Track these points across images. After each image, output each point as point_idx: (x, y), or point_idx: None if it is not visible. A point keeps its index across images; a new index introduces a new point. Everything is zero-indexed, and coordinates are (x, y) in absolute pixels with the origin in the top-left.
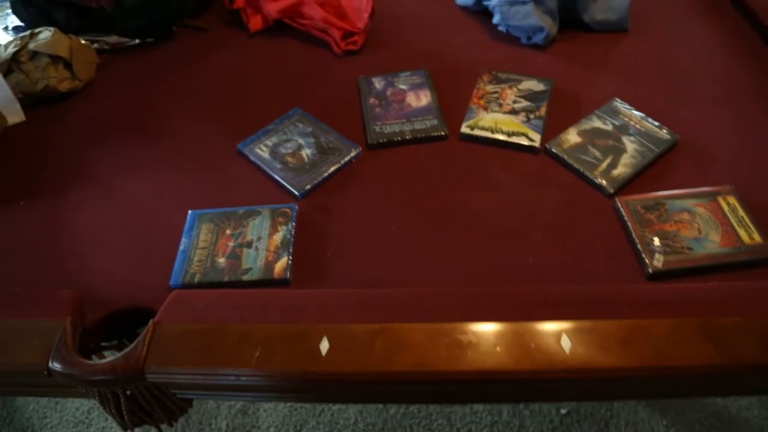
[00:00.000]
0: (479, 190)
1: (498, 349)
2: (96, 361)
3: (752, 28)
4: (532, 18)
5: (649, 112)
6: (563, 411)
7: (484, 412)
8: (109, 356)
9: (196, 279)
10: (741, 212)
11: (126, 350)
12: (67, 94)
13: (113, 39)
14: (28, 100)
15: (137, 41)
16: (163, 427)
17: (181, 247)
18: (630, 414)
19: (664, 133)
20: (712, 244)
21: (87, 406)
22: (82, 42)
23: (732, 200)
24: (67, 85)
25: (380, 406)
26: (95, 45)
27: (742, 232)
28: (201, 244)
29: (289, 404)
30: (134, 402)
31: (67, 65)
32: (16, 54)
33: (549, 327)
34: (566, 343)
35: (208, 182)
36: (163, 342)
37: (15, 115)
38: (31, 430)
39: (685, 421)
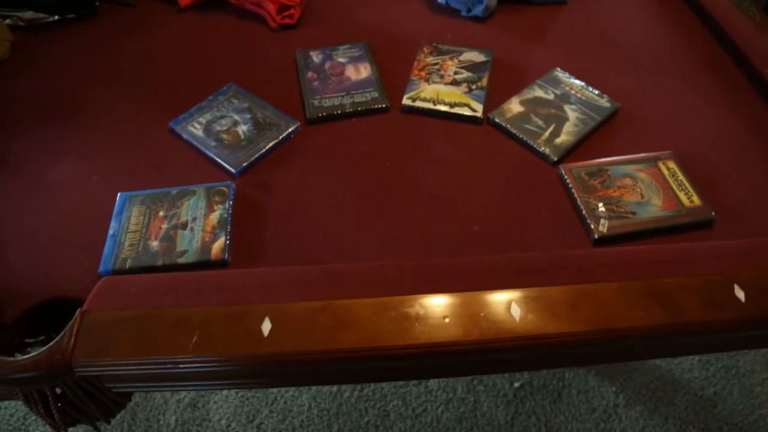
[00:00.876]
0: (422, 163)
1: (447, 320)
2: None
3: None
4: None
5: (589, 81)
6: (516, 384)
7: (439, 391)
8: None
9: (128, 264)
10: (680, 176)
11: (50, 344)
12: None
13: (28, 14)
14: None
15: (56, 17)
16: (102, 424)
17: (111, 232)
18: (581, 383)
19: (604, 102)
20: (654, 207)
21: (23, 412)
22: None
23: (672, 165)
24: None
25: (334, 389)
26: (8, 21)
27: (682, 195)
28: (132, 228)
29: (240, 394)
30: (64, 400)
31: None
32: None
33: (498, 296)
34: (516, 311)
35: (139, 164)
36: (91, 332)
37: None
38: None
39: (632, 386)
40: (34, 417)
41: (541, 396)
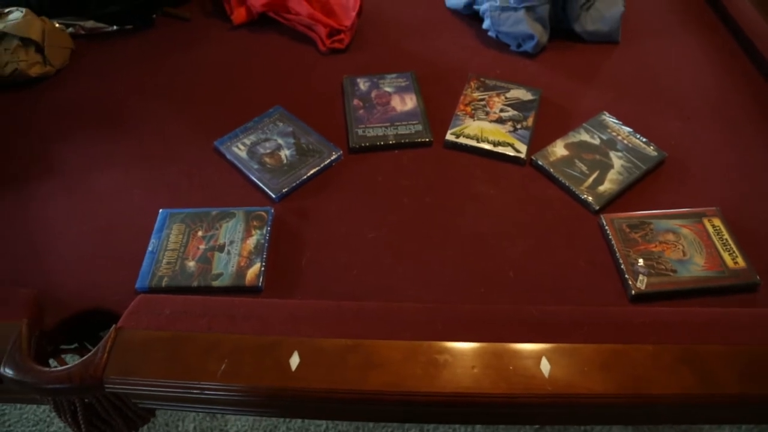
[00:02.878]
0: (462, 201)
1: (475, 370)
2: (53, 366)
3: (739, 44)
4: (522, 25)
5: (637, 128)
6: (537, 426)
7: (459, 425)
8: (70, 360)
9: (164, 282)
10: (726, 235)
11: (84, 357)
12: (38, 79)
13: (89, 24)
14: None
15: (115, 28)
16: None
17: (150, 248)
18: (604, 428)
19: (651, 150)
20: (696, 266)
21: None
22: (56, 25)
23: (717, 222)
24: (37, 70)
25: None
26: (70, 29)
27: (726, 256)
28: (171, 246)
29: None
30: (92, 411)
31: (39, 49)
32: None
33: (528, 348)
34: (545, 367)
35: (182, 180)
36: (124, 349)
37: None
38: None
39: None
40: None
41: None
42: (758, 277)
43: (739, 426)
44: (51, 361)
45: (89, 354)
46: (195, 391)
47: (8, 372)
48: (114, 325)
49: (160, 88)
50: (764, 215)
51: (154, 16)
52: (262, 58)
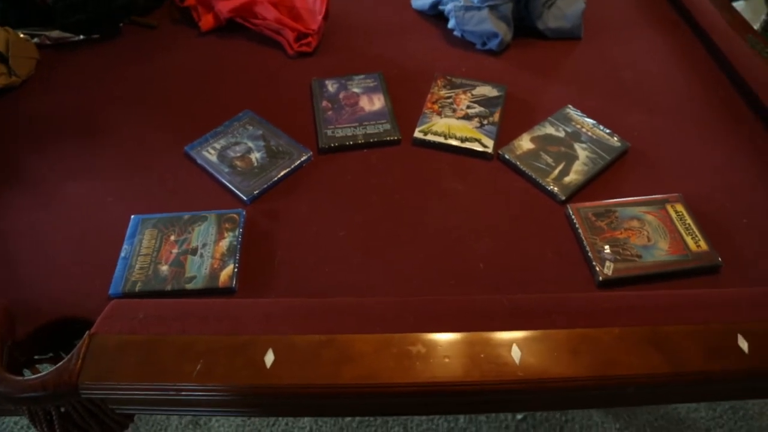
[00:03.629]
0: (431, 197)
1: (447, 360)
2: (27, 376)
3: (698, 39)
4: (486, 24)
5: (600, 120)
6: (519, 416)
7: (441, 419)
8: (43, 370)
9: (137, 287)
10: (688, 220)
11: (59, 365)
12: (3, 90)
13: (55, 33)
14: None
15: (81, 37)
16: None
17: (122, 254)
18: (584, 418)
19: (615, 141)
20: (660, 251)
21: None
22: (21, 35)
23: (680, 208)
24: (2, 81)
25: None
26: (35, 39)
27: (689, 240)
28: (143, 251)
29: None
30: (68, 420)
31: (3, 59)
32: None
33: (499, 337)
34: (516, 354)
35: (153, 186)
36: (98, 355)
37: None
38: None
39: (636, 424)
40: None
41: (544, 429)
42: (720, 259)
43: (714, 407)
44: (25, 371)
45: (63, 361)
46: (171, 393)
47: None
48: (87, 331)
49: (129, 97)
50: (725, 202)
51: (121, 24)
52: (231, 63)
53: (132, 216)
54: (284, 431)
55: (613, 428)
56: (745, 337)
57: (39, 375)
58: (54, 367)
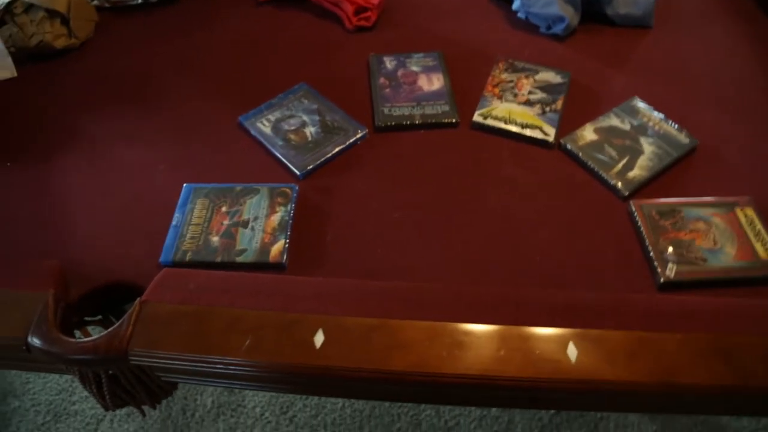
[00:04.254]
0: (488, 183)
1: (501, 353)
2: (79, 338)
3: None
4: (553, 6)
5: (668, 114)
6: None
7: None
8: (94, 332)
9: (188, 257)
10: (758, 225)
11: (110, 329)
12: (63, 51)
13: None
14: (20, 54)
15: (140, 1)
16: (146, 408)
17: (174, 222)
18: (621, 417)
19: (683, 137)
20: (727, 256)
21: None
22: None
23: (750, 212)
24: (63, 42)
25: None
26: (95, 2)
27: (758, 246)
28: (195, 221)
29: None
30: (116, 383)
31: (64, 21)
32: (9, 5)
33: (555, 333)
34: (572, 352)
35: (206, 155)
36: (148, 323)
37: (6, 70)
38: (13, 395)
39: (674, 427)
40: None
41: (578, 425)
42: None
43: (758, 419)
44: (76, 332)
45: (114, 326)
46: (219, 366)
47: (36, 342)
48: (138, 299)
49: (184, 63)
50: None
51: None
52: (288, 34)
53: (184, 184)
54: (317, 405)
55: (650, 430)
56: None
57: (91, 338)
58: (105, 332)
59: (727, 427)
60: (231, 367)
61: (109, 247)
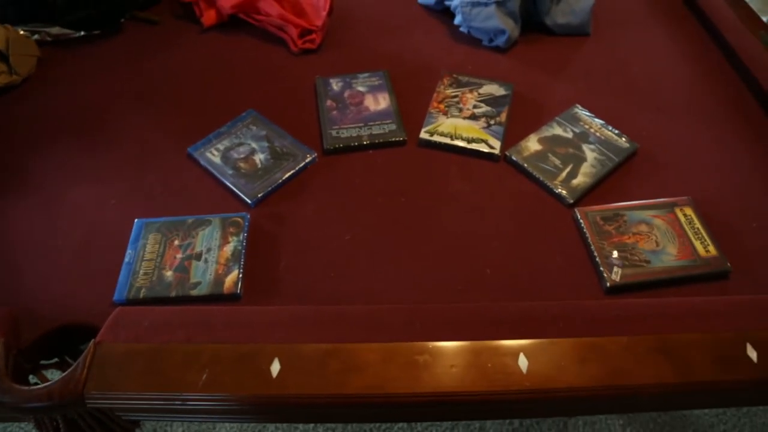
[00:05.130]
0: (437, 199)
1: (454, 369)
2: (33, 383)
3: (709, 36)
4: (494, 20)
5: (609, 119)
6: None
7: None
8: (52, 375)
9: (142, 294)
10: (697, 223)
11: (64, 374)
12: (3, 89)
13: (55, 30)
14: None
15: (82, 33)
16: None
17: (126, 259)
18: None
19: (623, 142)
20: (669, 256)
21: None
22: (21, 33)
23: (689, 211)
24: (3, 79)
25: None
26: (36, 36)
27: (698, 244)
28: (147, 256)
29: None
30: (75, 427)
31: (3, 58)
32: None
33: (506, 345)
34: (523, 363)
35: (157, 188)
36: (103, 364)
37: None
38: None
39: (640, 420)
40: None
41: (547, 425)
42: (729, 265)
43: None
44: (31, 377)
45: (69, 370)
46: (177, 403)
47: None
48: (93, 340)
49: (131, 95)
50: (735, 206)
51: (122, 20)
52: (234, 60)
53: (135, 220)
54: (288, 428)
55: (617, 424)
56: (754, 346)
57: (45, 385)
58: (59, 377)
59: (690, 414)
60: (189, 403)
61: (62, 288)
